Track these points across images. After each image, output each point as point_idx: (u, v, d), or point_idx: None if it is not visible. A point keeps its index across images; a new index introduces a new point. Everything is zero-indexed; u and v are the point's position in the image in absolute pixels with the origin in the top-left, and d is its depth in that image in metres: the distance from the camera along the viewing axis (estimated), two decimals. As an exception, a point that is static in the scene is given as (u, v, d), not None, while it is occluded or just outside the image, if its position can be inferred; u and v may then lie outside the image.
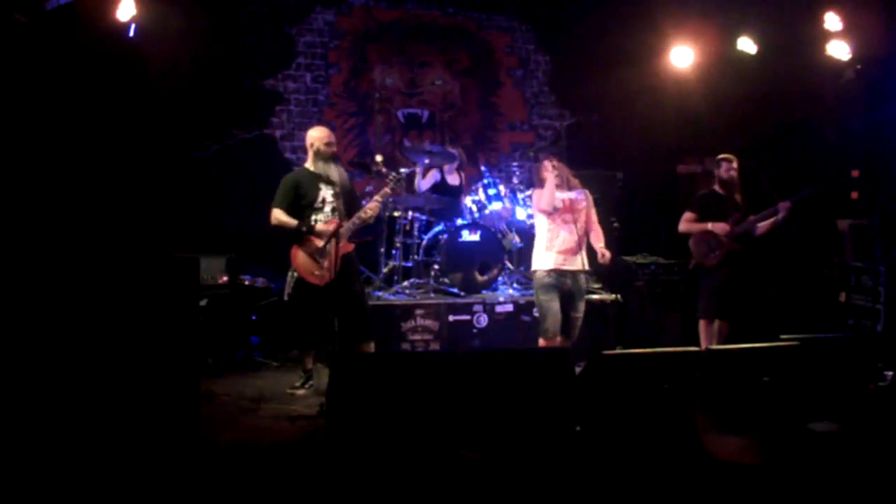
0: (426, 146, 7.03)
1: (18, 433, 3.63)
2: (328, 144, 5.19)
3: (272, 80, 8.02)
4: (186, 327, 4.24)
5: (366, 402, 3.26)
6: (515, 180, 7.14)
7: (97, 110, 6.23)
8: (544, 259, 5.23)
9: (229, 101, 7.66)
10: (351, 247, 5.16)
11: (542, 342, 5.24)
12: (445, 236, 6.57)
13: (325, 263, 4.98)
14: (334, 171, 5.18)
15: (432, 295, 6.54)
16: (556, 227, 5.22)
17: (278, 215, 5.10)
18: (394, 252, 6.75)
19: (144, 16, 5.91)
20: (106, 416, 3.82)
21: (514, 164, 7.58)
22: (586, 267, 5.25)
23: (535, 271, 5.29)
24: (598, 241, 5.35)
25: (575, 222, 5.23)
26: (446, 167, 7.43)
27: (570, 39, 8.60)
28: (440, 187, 7.37)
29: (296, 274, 5.13)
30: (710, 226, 5.63)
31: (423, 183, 7.31)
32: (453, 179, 7.47)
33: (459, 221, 6.78)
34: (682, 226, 5.80)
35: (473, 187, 7.07)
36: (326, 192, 5.14)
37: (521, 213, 6.91)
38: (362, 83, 8.30)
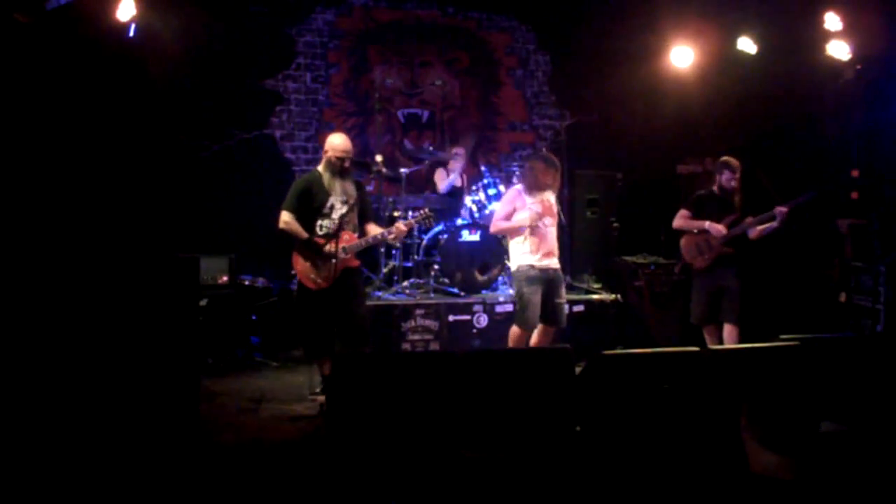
0: (426, 146, 7.03)
1: (19, 432, 3.63)
2: (340, 159, 4.95)
3: (272, 80, 8.02)
4: (186, 327, 4.24)
5: (366, 402, 3.26)
6: (515, 180, 7.12)
7: (97, 111, 6.23)
8: (527, 259, 5.28)
9: (229, 101, 7.65)
10: (357, 262, 5.03)
11: (517, 331, 5.27)
12: (445, 236, 6.57)
13: (324, 272, 4.88)
14: (339, 186, 4.96)
15: (432, 295, 6.55)
16: (536, 234, 5.26)
17: (288, 220, 4.91)
18: (394, 252, 6.75)
19: (144, 16, 5.91)
20: (106, 416, 3.83)
21: (514, 164, 7.58)
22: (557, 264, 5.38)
23: (518, 267, 5.32)
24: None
25: (553, 224, 5.33)
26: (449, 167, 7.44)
27: (570, 39, 8.60)
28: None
29: (296, 277, 5.08)
30: (706, 224, 5.51)
31: (442, 186, 7.35)
32: (456, 180, 7.48)
33: (459, 221, 6.78)
34: (677, 221, 5.69)
35: (473, 187, 7.07)
36: (336, 200, 4.96)
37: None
38: (362, 83, 8.29)
